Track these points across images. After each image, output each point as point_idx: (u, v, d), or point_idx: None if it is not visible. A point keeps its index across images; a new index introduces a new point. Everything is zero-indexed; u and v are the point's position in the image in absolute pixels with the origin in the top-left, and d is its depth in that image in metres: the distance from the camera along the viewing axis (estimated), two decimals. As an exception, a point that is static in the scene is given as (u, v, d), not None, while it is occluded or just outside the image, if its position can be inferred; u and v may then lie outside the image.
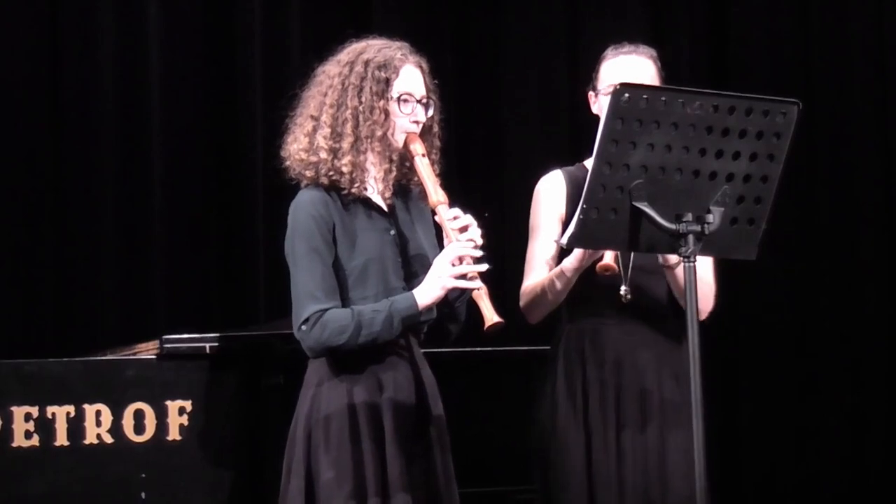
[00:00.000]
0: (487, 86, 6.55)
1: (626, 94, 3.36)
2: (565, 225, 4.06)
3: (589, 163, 4.20)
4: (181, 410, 4.35)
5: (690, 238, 3.41)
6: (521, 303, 4.12)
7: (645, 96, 3.38)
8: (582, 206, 3.42)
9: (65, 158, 5.94)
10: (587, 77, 4.24)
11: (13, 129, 5.89)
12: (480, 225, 3.71)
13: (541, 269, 4.11)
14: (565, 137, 6.42)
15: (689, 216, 3.41)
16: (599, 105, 4.15)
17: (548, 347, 4.19)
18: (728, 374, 6.47)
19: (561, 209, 4.15)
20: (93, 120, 5.98)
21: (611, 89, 3.95)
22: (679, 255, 3.44)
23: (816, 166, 6.52)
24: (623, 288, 4.03)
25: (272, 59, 6.10)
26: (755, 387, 6.53)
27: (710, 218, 3.42)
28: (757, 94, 6.48)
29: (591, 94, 4.20)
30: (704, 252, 3.45)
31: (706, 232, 3.41)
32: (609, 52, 4.19)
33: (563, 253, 4.07)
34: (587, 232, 3.46)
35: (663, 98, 3.39)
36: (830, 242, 6.55)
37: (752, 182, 3.47)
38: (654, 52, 4.19)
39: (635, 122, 3.37)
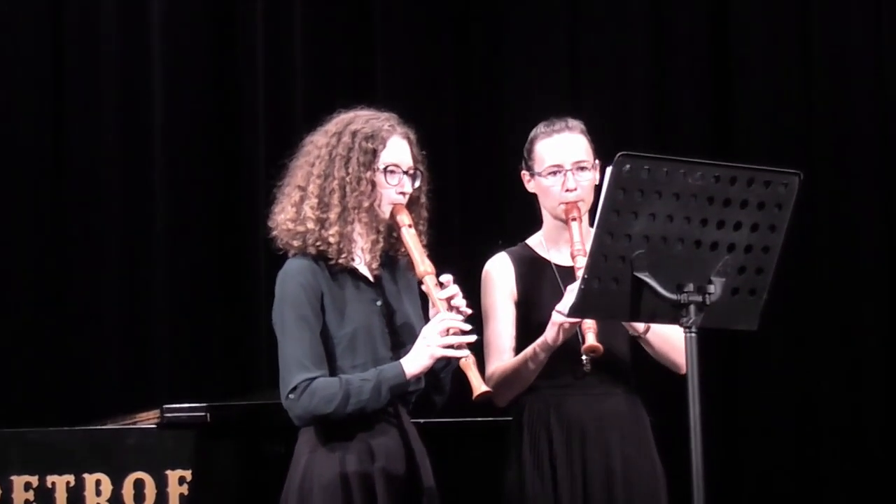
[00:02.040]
0: (489, 148, 6.54)
1: (628, 165, 3.35)
2: (520, 304, 4.11)
3: (531, 241, 4.22)
4: (181, 480, 4.32)
5: (692, 308, 3.39)
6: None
7: (647, 167, 3.37)
8: (584, 277, 3.41)
9: (66, 223, 5.97)
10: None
11: (13, 187, 5.95)
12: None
13: (503, 351, 4.12)
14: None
15: (691, 286, 3.39)
16: (536, 184, 4.18)
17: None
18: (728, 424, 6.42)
19: (512, 289, 4.17)
20: (96, 181, 6.04)
21: (550, 169, 4.09)
22: (680, 325, 3.42)
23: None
24: (585, 358, 4.02)
25: (275, 133, 6.11)
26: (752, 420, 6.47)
27: (712, 288, 3.40)
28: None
29: (524, 173, 4.21)
30: (705, 322, 3.43)
31: (707, 302, 3.39)
32: (540, 130, 4.20)
33: (522, 333, 4.09)
34: (589, 302, 3.45)
35: (665, 168, 3.38)
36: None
37: (753, 253, 3.46)
38: (583, 125, 4.21)
39: (637, 192, 3.36)
